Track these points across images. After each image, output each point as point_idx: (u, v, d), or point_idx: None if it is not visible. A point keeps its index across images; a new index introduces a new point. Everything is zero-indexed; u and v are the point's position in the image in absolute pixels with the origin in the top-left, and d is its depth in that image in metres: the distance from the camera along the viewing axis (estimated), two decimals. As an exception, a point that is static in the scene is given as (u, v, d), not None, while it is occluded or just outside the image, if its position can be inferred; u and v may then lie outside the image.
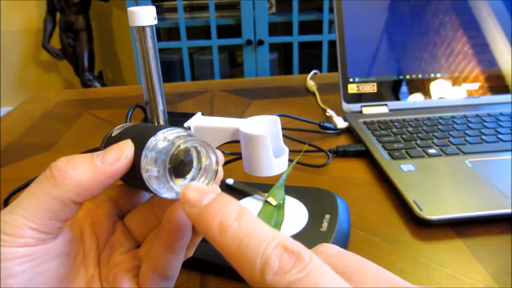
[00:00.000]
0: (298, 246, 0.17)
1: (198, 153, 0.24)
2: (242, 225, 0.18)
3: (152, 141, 0.23)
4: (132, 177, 0.23)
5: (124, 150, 0.23)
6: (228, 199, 0.19)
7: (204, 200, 0.19)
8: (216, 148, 0.37)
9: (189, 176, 0.24)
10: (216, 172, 0.24)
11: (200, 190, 0.20)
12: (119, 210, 0.27)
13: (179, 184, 0.23)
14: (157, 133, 0.23)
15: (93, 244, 0.25)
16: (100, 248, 0.26)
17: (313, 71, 0.94)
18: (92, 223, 0.26)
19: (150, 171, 0.22)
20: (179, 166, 0.23)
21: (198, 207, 0.19)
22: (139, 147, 0.23)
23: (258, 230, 0.18)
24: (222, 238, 0.18)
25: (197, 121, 0.38)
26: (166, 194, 0.23)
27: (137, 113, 0.46)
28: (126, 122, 0.28)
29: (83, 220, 0.26)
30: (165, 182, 0.22)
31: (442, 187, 0.46)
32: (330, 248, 0.20)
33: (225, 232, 0.18)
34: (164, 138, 0.23)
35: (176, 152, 0.22)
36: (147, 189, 0.23)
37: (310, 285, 0.16)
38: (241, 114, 0.75)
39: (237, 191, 0.44)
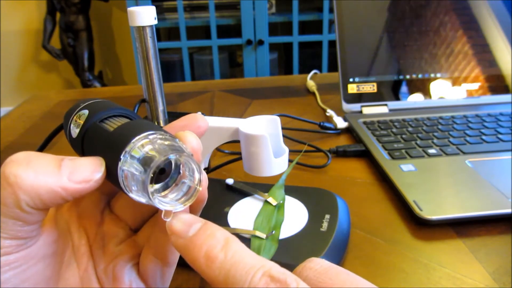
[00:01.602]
0: (284, 274, 0.17)
1: (177, 162, 0.22)
2: (228, 256, 0.18)
3: (125, 158, 0.21)
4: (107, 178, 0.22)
5: (96, 173, 0.21)
6: (214, 229, 0.20)
7: (190, 231, 0.20)
8: (216, 148, 0.37)
9: (166, 189, 0.22)
10: (197, 190, 0.22)
11: (186, 221, 0.20)
12: (104, 196, 0.26)
13: (153, 190, 0.21)
14: (131, 141, 0.21)
15: (83, 237, 0.25)
16: (91, 240, 0.25)
17: (313, 71, 0.94)
18: (78, 215, 0.25)
19: (129, 187, 0.21)
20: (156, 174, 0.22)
21: (184, 239, 0.20)
22: (112, 157, 0.21)
23: (244, 260, 0.18)
24: (209, 269, 0.18)
25: (197, 121, 0.38)
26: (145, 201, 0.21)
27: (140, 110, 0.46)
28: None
29: (67, 214, 0.25)
30: (145, 197, 0.21)
31: (442, 187, 0.46)
32: (319, 264, 0.19)
33: (211, 264, 0.18)
34: (139, 153, 0.20)
35: (155, 171, 0.20)
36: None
37: None
38: (241, 114, 0.75)
39: (237, 191, 0.44)
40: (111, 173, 0.21)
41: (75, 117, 0.25)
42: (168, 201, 0.21)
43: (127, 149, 0.21)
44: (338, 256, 0.37)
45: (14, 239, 0.19)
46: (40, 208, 0.19)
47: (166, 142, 0.21)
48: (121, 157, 0.21)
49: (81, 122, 0.24)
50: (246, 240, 0.37)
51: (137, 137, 0.21)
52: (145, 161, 0.20)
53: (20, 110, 0.84)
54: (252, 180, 0.45)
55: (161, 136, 0.21)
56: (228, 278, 0.18)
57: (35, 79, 2.63)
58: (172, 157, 0.20)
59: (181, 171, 0.22)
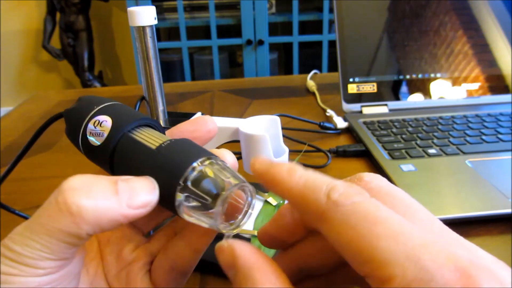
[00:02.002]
0: (357, 187, 0.19)
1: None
2: (309, 172, 0.20)
3: (184, 184, 0.21)
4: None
5: (153, 197, 0.20)
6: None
7: (274, 161, 0.22)
8: (216, 148, 0.37)
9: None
10: (249, 213, 0.23)
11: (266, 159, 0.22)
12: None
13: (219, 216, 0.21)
14: (189, 167, 0.21)
15: (94, 242, 0.24)
16: (102, 245, 0.25)
17: (313, 71, 0.94)
18: None
19: (186, 211, 0.21)
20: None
21: (268, 164, 0.21)
22: (166, 180, 0.21)
23: (322, 175, 0.20)
24: (290, 178, 0.20)
25: (197, 121, 0.38)
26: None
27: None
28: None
29: None
30: (211, 223, 0.21)
31: (442, 187, 0.46)
32: (376, 180, 0.20)
33: (293, 173, 0.20)
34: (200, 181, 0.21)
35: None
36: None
37: (371, 208, 0.17)
38: (241, 114, 0.75)
39: (237, 191, 0.44)
40: (162, 195, 0.21)
41: (92, 123, 0.24)
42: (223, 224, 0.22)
43: (186, 175, 0.21)
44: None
45: (58, 261, 0.19)
46: (96, 233, 0.20)
47: (224, 171, 0.22)
48: (180, 182, 0.21)
49: (104, 130, 0.23)
50: (246, 240, 0.37)
51: (194, 164, 0.21)
52: (209, 190, 0.21)
53: (20, 110, 0.84)
54: (252, 180, 0.45)
55: (213, 161, 0.22)
56: (307, 184, 0.19)
57: (35, 79, 2.63)
58: (236, 188, 0.21)
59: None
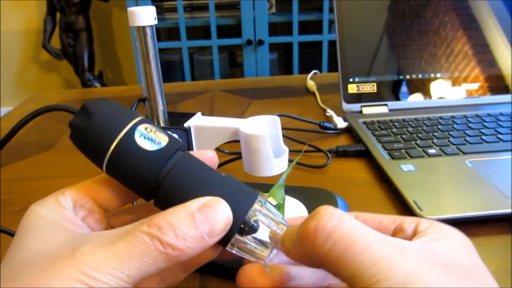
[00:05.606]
0: None
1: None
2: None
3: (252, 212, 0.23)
4: None
5: (229, 222, 0.22)
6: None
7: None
8: (216, 148, 0.37)
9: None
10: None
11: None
12: (105, 210, 0.26)
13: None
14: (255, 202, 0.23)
15: None
16: None
17: (313, 71, 0.94)
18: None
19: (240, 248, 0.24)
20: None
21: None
22: (237, 204, 0.23)
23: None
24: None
25: (197, 121, 0.38)
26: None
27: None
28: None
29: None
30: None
31: (442, 187, 0.46)
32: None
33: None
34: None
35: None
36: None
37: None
38: (241, 114, 0.75)
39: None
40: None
41: (142, 127, 0.23)
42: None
43: (254, 205, 0.23)
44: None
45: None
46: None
47: (271, 207, 0.24)
48: (254, 207, 0.23)
49: (161, 139, 0.23)
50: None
51: (259, 198, 0.24)
52: (268, 225, 0.23)
53: (20, 110, 0.84)
54: (252, 180, 0.45)
55: (261, 200, 0.24)
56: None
57: (35, 79, 2.63)
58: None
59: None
